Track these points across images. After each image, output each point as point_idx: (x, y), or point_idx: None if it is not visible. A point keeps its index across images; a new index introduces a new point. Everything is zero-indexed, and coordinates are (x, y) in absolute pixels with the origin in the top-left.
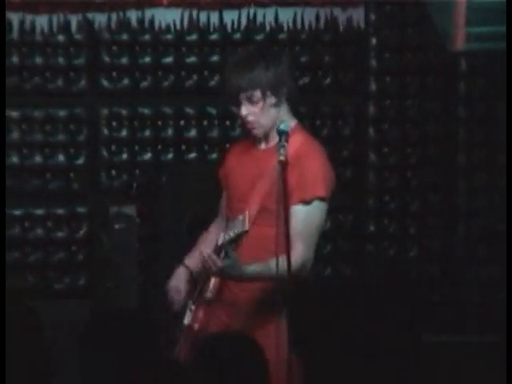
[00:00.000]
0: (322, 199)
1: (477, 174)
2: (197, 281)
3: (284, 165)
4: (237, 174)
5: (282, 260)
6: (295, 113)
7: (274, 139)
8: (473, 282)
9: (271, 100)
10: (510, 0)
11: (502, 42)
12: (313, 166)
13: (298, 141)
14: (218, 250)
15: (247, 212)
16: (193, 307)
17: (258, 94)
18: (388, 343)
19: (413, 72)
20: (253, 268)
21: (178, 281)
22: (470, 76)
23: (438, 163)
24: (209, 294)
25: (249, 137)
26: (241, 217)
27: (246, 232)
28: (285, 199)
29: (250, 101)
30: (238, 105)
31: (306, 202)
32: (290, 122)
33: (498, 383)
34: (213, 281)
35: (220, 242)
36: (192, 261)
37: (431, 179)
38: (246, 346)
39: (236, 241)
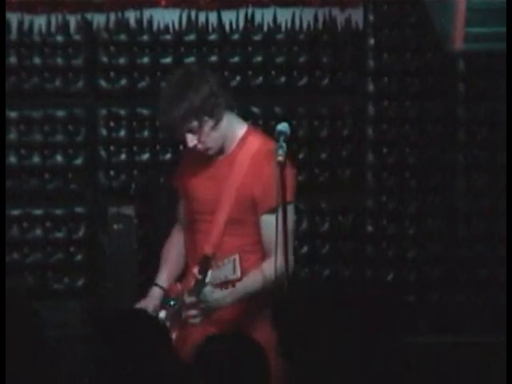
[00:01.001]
0: (288, 202)
1: (476, 174)
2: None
3: (283, 165)
4: (198, 186)
5: (254, 274)
6: (244, 116)
7: (230, 148)
8: (473, 282)
9: (210, 123)
10: (510, 0)
11: (501, 43)
12: (273, 171)
13: (254, 146)
14: (199, 285)
15: (237, 256)
16: (168, 323)
17: (195, 124)
18: (384, 344)
19: (411, 72)
20: (236, 291)
21: (150, 302)
22: (469, 76)
23: (437, 164)
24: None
25: None
26: (231, 259)
27: (238, 279)
28: (283, 199)
29: (192, 131)
30: (183, 137)
31: (275, 210)
32: (240, 129)
33: (497, 383)
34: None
35: (208, 281)
36: (164, 279)
37: (430, 180)
38: (245, 346)
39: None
